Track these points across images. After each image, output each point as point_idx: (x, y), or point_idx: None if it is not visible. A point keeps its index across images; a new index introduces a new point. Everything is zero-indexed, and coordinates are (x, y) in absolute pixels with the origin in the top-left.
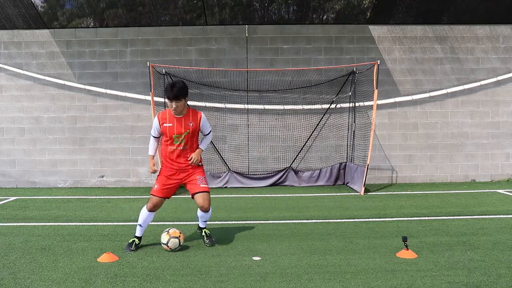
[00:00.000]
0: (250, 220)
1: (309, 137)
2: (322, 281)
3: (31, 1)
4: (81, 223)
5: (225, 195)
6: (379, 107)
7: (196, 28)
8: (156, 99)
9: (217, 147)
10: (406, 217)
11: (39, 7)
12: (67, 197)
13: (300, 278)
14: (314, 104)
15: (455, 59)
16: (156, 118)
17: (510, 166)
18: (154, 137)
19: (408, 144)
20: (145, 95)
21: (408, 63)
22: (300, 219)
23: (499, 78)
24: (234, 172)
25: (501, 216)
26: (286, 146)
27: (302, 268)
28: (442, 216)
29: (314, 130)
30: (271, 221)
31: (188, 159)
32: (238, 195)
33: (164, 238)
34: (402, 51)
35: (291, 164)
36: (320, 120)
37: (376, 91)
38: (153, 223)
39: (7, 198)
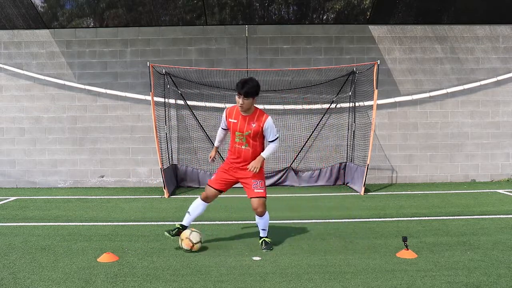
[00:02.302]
0: (250, 220)
1: (309, 137)
2: (322, 281)
3: (31, 1)
4: (81, 223)
5: (225, 195)
6: (379, 107)
7: (196, 28)
8: (156, 99)
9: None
10: (406, 217)
11: (39, 7)
12: (67, 197)
13: (300, 278)
14: (314, 104)
15: (455, 59)
16: (224, 111)
17: (510, 166)
18: (222, 128)
19: (408, 144)
20: (145, 95)
21: (408, 63)
22: (300, 219)
23: (499, 78)
24: None
25: (501, 216)
26: (286, 146)
27: (302, 268)
28: (442, 216)
29: (314, 130)
30: (271, 221)
31: (248, 167)
32: (238, 195)
33: (196, 237)
34: (402, 51)
35: (291, 164)
36: (320, 120)
37: (376, 91)
38: (153, 223)
39: (7, 198)
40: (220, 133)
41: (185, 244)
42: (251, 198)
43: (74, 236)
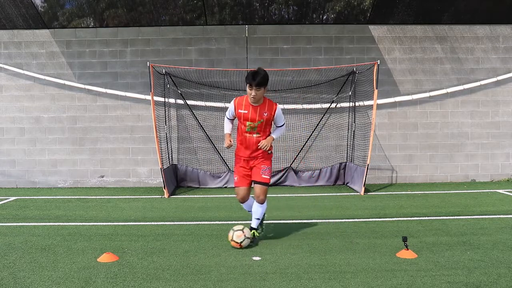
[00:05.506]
0: (250, 220)
1: (309, 137)
2: (322, 281)
3: (31, 1)
4: (81, 223)
5: (225, 195)
6: (379, 107)
7: (196, 28)
8: (156, 98)
9: (217, 147)
10: (406, 217)
11: (39, 7)
12: (67, 197)
13: (300, 278)
14: (314, 104)
15: (455, 59)
16: (232, 102)
17: (510, 166)
18: (228, 118)
19: (408, 144)
20: (145, 95)
21: (408, 63)
22: (300, 219)
23: (499, 78)
24: None
25: (501, 216)
26: (286, 146)
27: (302, 268)
28: (442, 216)
29: (314, 130)
30: (271, 221)
31: (259, 145)
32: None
33: (237, 237)
34: (402, 51)
35: (291, 164)
36: (320, 120)
37: (376, 91)
38: (153, 223)
39: (7, 198)
40: (228, 122)
41: (234, 245)
42: (256, 182)
43: (74, 236)
